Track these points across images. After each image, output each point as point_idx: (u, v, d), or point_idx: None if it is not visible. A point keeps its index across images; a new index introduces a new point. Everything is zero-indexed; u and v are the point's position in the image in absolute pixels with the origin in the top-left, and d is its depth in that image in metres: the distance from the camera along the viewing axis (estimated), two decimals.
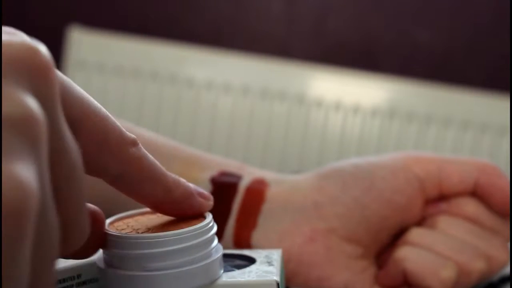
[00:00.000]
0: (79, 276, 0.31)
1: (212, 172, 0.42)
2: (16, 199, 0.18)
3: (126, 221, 0.31)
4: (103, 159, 0.30)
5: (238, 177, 0.42)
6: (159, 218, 0.32)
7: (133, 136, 0.32)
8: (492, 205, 0.41)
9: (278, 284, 0.30)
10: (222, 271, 0.30)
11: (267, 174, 0.43)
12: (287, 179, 0.42)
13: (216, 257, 0.29)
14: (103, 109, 0.31)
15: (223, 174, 0.42)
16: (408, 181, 0.40)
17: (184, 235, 0.29)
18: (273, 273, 0.30)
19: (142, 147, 0.33)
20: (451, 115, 1.46)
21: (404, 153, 0.42)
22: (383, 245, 0.42)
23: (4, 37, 0.22)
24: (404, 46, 1.50)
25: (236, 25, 1.53)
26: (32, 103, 0.20)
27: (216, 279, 0.29)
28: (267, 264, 0.31)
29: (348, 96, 1.47)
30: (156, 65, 1.49)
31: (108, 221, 0.31)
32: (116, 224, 0.31)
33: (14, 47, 0.21)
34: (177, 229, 0.29)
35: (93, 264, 0.32)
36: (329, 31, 1.51)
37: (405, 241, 0.40)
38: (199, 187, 0.35)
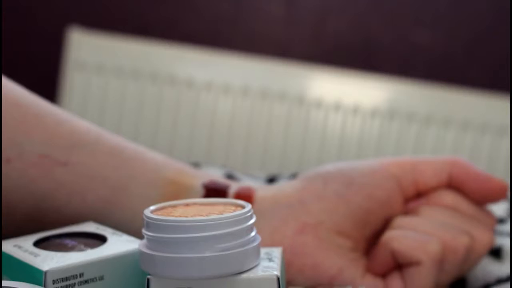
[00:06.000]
0: (81, 274, 0.31)
1: (203, 179, 0.44)
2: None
3: (166, 210, 0.32)
4: None
5: (227, 185, 0.43)
6: (193, 208, 0.33)
7: None
8: (468, 193, 0.43)
9: (278, 279, 0.30)
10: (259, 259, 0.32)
11: (252, 183, 0.45)
12: (271, 186, 0.45)
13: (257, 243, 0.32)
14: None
15: (213, 182, 0.44)
16: (386, 179, 0.42)
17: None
18: (274, 268, 0.31)
19: None
20: (451, 115, 1.46)
21: (379, 158, 0.45)
22: (371, 241, 0.43)
23: None
24: (404, 46, 1.50)
25: (235, 26, 1.53)
26: None
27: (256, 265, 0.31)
28: (267, 260, 0.32)
29: (348, 96, 1.47)
30: (156, 66, 1.49)
31: (149, 209, 0.32)
32: (160, 213, 0.32)
33: None
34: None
35: (95, 263, 0.32)
36: (329, 32, 1.51)
37: (390, 226, 0.42)
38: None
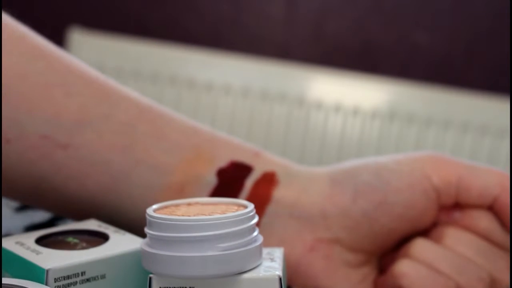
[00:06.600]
0: (83, 273, 0.31)
1: (221, 162, 0.40)
2: None
3: (169, 209, 0.32)
4: None
5: (248, 170, 0.40)
6: (196, 208, 0.33)
7: None
8: (504, 224, 0.39)
9: (280, 279, 0.30)
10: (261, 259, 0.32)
11: (280, 168, 0.41)
12: (300, 175, 0.41)
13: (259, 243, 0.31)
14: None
15: (233, 164, 0.40)
16: (424, 193, 0.39)
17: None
18: (276, 269, 0.31)
19: None
20: (451, 117, 1.46)
21: (425, 156, 0.40)
22: (387, 252, 0.41)
23: None
24: (404, 48, 1.50)
25: (236, 27, 1.53)
26: None
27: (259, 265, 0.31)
28: (269, 260, 0.32)
29: (348, 98, 1.47)
30: (157, 67, 1.49)
31: (152, 208, 0.32)
32: (162, 212, 0.32)
33: None
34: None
35: (97, 262, 0.32)
36: (329, 33, 1.51)
37: (407, 253, 0.39)
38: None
